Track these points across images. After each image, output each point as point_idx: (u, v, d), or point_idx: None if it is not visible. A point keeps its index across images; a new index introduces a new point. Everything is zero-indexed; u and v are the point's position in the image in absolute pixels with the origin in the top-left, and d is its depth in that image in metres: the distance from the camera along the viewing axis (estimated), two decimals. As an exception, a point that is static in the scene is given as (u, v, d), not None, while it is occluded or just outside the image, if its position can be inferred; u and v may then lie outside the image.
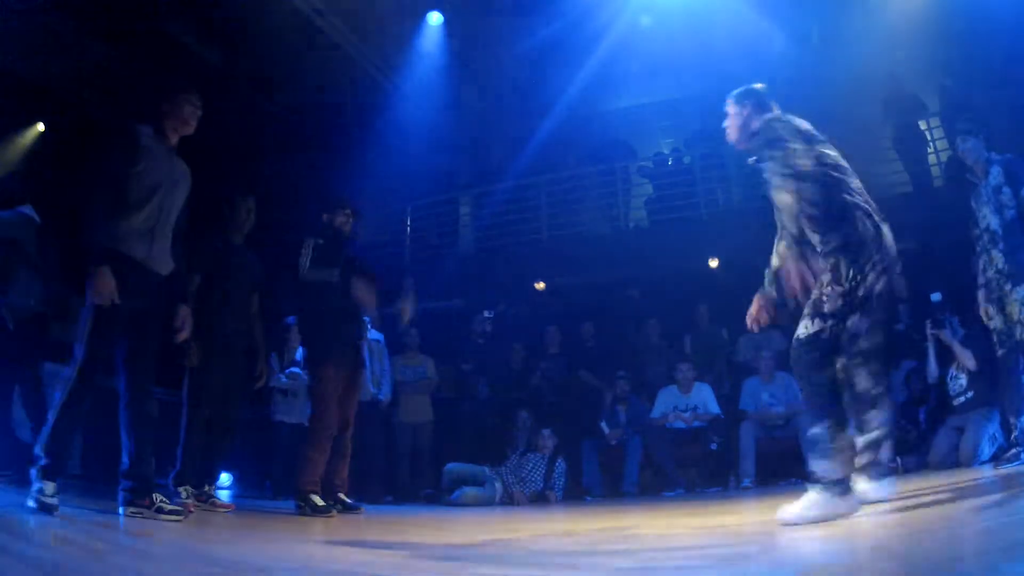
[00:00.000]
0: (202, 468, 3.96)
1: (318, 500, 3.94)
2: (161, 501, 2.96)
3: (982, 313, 4.21)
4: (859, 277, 2.48)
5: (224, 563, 2.02)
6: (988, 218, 4.06)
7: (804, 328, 2.51)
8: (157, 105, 3.20)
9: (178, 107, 3.20)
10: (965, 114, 5.40)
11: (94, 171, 3.01)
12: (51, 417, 2.86)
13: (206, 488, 3.97)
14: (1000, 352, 4.10)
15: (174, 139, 3.23)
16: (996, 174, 4.06)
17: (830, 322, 2.47)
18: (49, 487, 2.74)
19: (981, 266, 4.15)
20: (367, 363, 5.93)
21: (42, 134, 8.80)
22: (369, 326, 6.19)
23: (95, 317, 2.88)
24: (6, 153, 8.54)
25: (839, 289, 2.48)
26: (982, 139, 4.21)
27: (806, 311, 2.55)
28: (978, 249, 4.19)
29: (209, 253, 4.07)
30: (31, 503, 2.71)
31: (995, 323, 4.08)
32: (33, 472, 2.79)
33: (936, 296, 5.29)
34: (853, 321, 2.50)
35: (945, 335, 4.86)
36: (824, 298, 2.50)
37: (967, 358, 4.74)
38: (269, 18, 7.82)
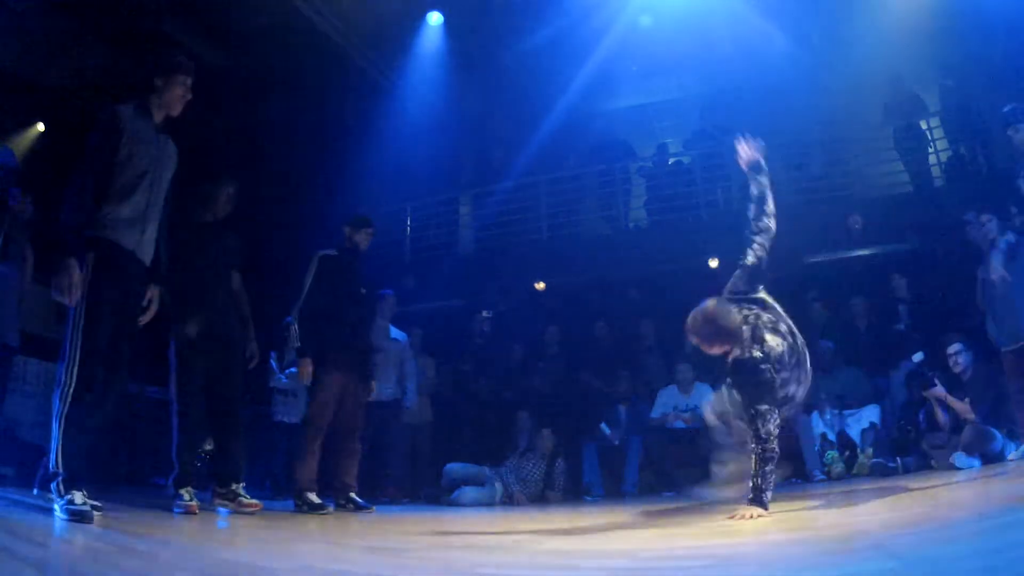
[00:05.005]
0: (224, 467, 3.82)
1: (314, 498, 3.96)
2: (83, 497, 2.61)
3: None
4: None
5: (225, 563, 2.02)
6: None
7: None
8: (148, 79, 3.06)
9: (171, 86, 3.06)
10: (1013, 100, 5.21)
11: (80, 157, 2.83)
12: (55, 429, 2.62)
13: (232, 487, 3.80)
14: None
15: (159, 117, 3.07)
16: None
17: None
18: (78, 496, 2.55)
19: None
20: (385, 364, 5.93)
21: (42, 134, 8.81)
22: (390, 326, 6.19)
23: (87, 310, 2.69)
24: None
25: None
26: None
27: None
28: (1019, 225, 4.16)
29: (179, 235, 3.76)
30: (63, 516, 2.51)
31: None
32: (54, 487, 2.59)
33: (918, 356, 5.36)
34: None
35: (939, 392, 4.80)
36: None
37: (966, 410, 4.67)
38: (269, 18, 7.83)
